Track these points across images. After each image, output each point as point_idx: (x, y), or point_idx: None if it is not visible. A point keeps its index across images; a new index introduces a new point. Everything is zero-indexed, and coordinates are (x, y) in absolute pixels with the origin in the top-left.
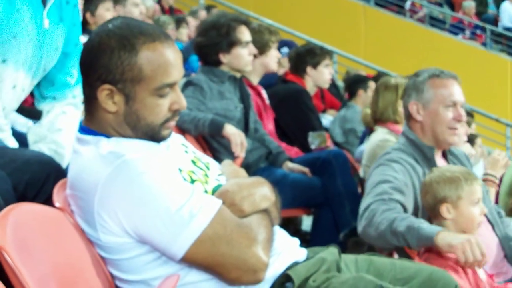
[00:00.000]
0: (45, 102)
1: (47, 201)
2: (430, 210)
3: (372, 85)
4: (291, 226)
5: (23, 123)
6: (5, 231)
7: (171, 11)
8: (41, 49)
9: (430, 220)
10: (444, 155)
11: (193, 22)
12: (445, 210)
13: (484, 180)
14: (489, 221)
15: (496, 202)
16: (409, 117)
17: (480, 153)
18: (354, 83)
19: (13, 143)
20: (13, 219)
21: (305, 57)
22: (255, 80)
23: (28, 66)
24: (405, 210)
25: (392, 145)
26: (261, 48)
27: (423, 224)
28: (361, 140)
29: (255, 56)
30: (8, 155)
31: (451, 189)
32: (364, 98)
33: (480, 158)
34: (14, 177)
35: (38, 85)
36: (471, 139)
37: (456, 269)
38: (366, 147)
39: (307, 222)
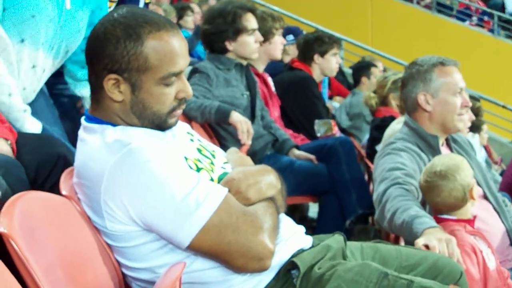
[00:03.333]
0: (81, 85)
1: (56, 184)
2: None
3: (375, 71)
4: (297, 213)
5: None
6: (12, 219)
7: None
8: (62, 30)
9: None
10: (448, 143)
11: (198, 9)
12: None
13: None
14: (495, 209)
15: (500, 189)
16: (415, 107)
17: (481, 140)
18: (357, 70)
19: (33, 124)
20: (20, 207)
21: (313, 44)
22: (260, 67)
23: (48, 47)
24: (419, 195)
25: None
26: (265, 35)
27: (418, 219)
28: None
29: (259, 43)
30: (20, 138)
31: None
32: (368, 85)
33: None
34: (25, 160)
35: (68, 71)
36: (478, 126)
37: (469, 255)
38: (387, 132)
39: (313, 209)
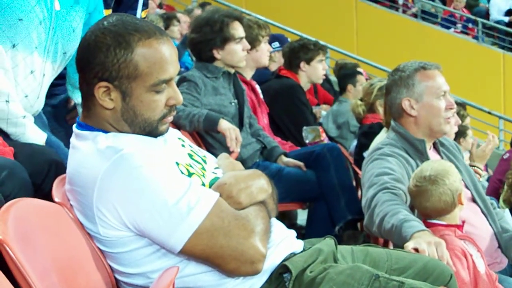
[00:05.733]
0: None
1: (49, 193)
2: None
3: (361, 79)
4: (286, 220)
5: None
6: (7, 225)
7: (161, 7)
8: (55, 32)
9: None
10: (435, 147)
11: (184, 18)
12: None
13: None
14: (483, 212)
15: (487, 194)
16: (401, 113)
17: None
18: (343, 78)
19: (35, 133)
20: (14, 214)
21: (298, 52)
22: (248, 75)
23: (43, 50)
24: (407, 199)
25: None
26: (251, 43)
27: (407, 223)
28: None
29: (247, 51)
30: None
31: None
32: (354, 92)
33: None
34: None
35: (69, 78)
36: (462, 131)
37: (460, 258)
38: (377, 139)
39: (302, 216)
